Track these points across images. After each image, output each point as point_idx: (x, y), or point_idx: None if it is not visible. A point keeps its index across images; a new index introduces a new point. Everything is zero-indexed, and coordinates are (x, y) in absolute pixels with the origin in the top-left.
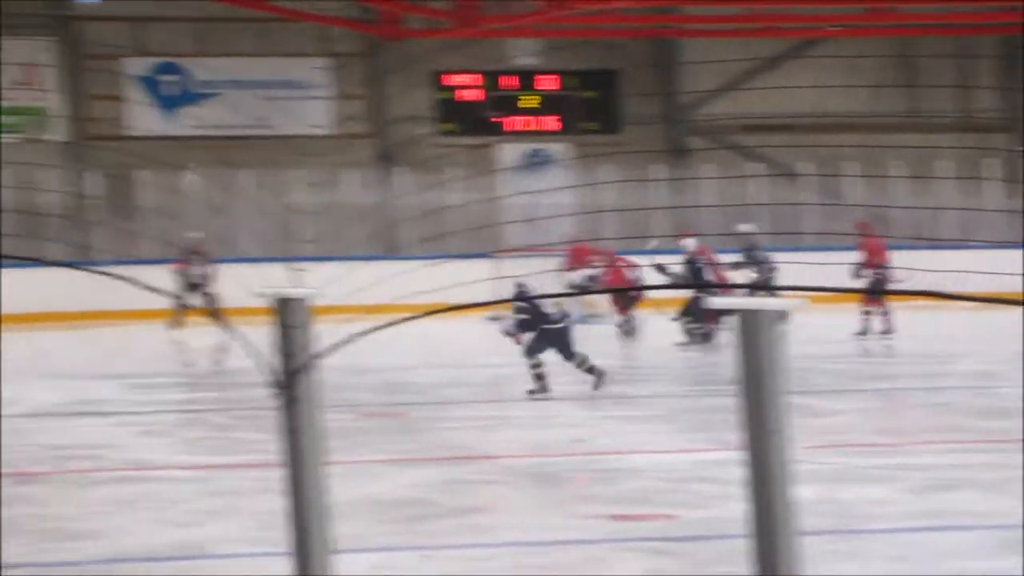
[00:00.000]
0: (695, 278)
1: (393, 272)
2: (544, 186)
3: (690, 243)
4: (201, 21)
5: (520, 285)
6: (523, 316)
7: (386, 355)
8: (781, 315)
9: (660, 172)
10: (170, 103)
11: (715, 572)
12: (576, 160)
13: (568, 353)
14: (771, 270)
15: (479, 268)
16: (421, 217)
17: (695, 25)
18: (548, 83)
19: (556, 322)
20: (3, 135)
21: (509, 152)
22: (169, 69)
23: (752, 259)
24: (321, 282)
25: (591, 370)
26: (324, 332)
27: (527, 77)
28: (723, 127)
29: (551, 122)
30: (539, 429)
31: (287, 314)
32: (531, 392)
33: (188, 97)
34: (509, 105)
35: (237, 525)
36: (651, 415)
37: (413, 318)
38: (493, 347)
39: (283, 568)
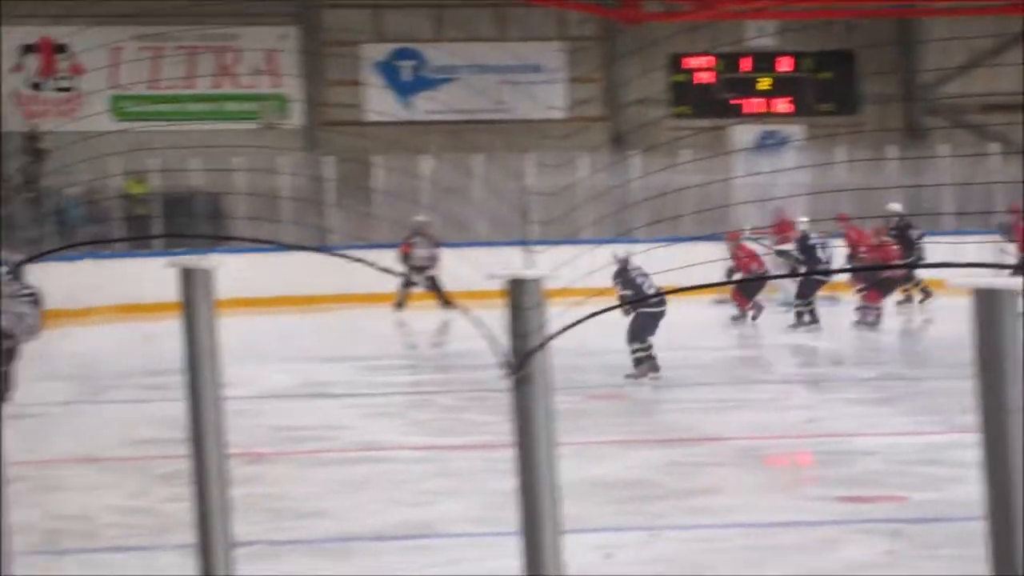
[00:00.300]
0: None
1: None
2: (777, 167)
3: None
4: (439, 6)
5: (623, 260)
6: (626, 292)
7: (613, 337)
8: (1017, 293)
9: (896, 152)
10: (407, 88)
11: (947, 554)
12: (811, 141)
13: (635, 336)
14: (919, 250)
15: (709, 250)
16: (653, 200)
17: (937, 4)
18: (783, 65)
19: (654, 305)
20: (242, 121)
21: (743, 134)
22: (407, 55)
23: (903, 239)
24: (553, 264)
25: (639, 362)
26: (555, 314)
27: (762, 59)
28: (962, 106)
29: (785, 104)
30: (767, 411)
31: (520, 296)
32: (637, 375)
33: (425, 82)
34: (744, 87)
35: (466, 505)
36: (881, 397)
37: (640, 300)
38: (721, 329)
39: (512, 548)
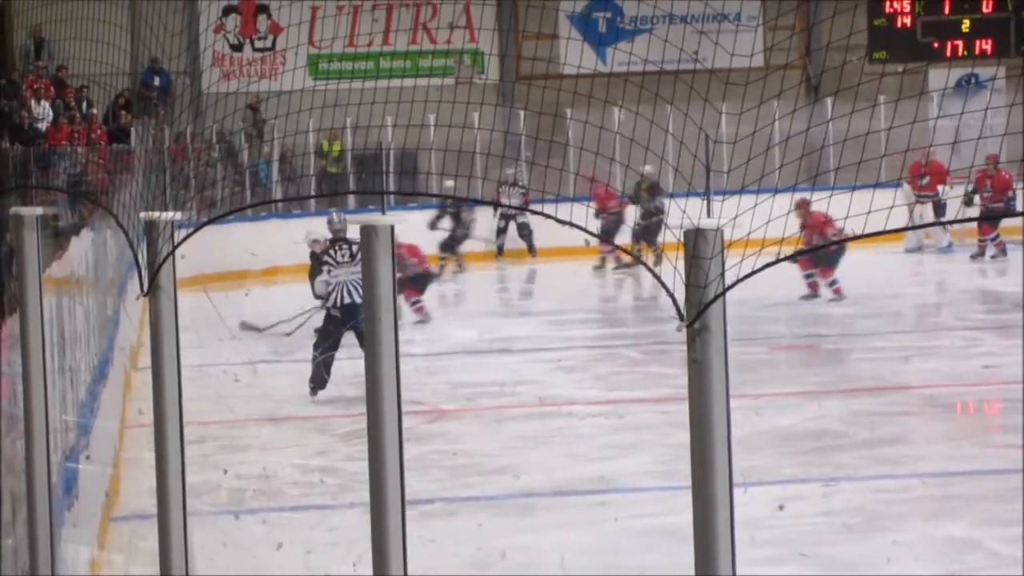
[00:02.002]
0: None
1: (812, 200)
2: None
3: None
4: None
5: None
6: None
7: (800, 287)
8: None
9: None
10: (602, 40)
11: None
12: (1010, 82)
13: None
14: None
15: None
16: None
17: None
18: (985, 5)
19: None
20: (437, 77)
21: (940, 78)
22: (602, 6)
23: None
24: (736, 213)
25: None
26: (738, 263)
27: (962, 0)
28: None
29: (986, 45)
30: (956, 359)
31: (699, 246)
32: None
33: (620, 33)
34: (943, 29)
35: (646, 459)
36: None
37: (820, 248)
38: (910, 277)
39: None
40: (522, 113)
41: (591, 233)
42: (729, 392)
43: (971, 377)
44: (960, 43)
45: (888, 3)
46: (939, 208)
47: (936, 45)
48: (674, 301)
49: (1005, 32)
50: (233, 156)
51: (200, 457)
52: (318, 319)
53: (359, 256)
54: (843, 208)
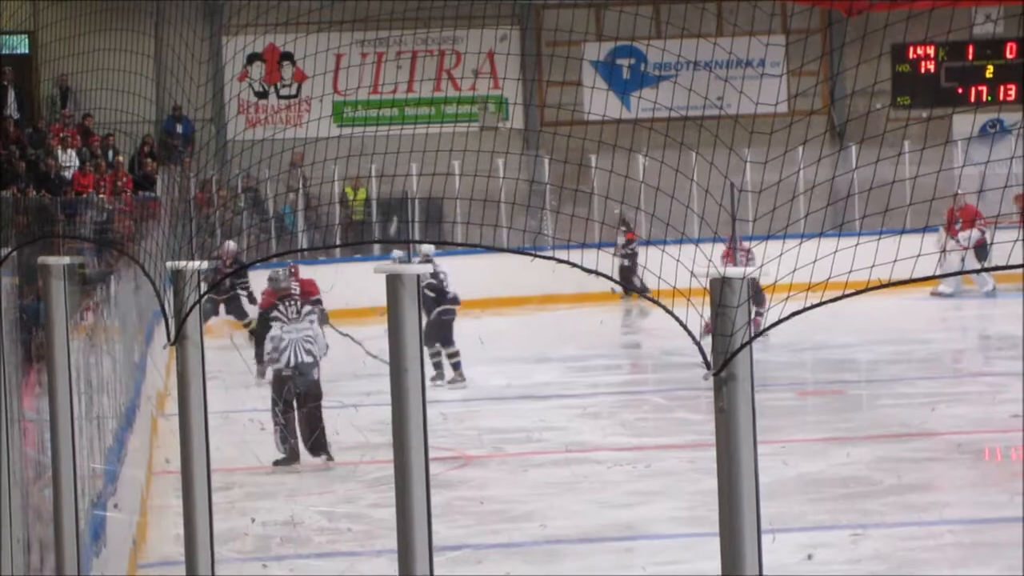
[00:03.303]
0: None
1: (839, 248)
2: (1000, 157)
3: None
4: (659, 3)
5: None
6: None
7: (827, 332)
8: None
9: None
10: (626, 86)
11: None
12: None
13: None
14: None
15: (925, 242)
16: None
17: None
18: (1008, 51)
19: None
20: (461, 124)
21: (965, 123)
22: (626, 52)
23: None
24: (763, 261)
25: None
26: (769, 310)
27: (986, 46)
28: None
29: (1010, 91)
30: (983, 405)
31: (725, 294)
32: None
33: (644, 79)
34: (967, 75)
35: (672, 506)
36: None
37: (851, 295)
38: (937, 323)
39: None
40: (547, 160)
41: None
42: (756, 440)
43: (998, 424)
44: (984, 88)
45: (912, 49)
46: (981, 251)
47: (960, 91)
48: (700, 350)
49: None
50: (259, 205)
51: (227, 504)
52: None
53: (305, 313)
54: (870, 255)
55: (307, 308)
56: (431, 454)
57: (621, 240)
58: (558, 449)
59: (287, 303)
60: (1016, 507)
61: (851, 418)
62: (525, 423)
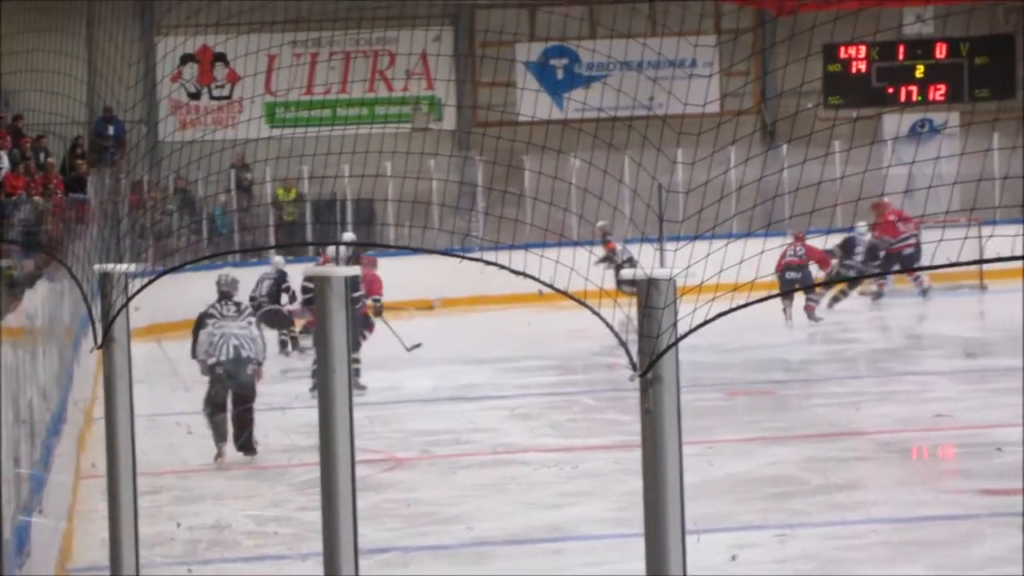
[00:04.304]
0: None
1: (765, 248)
2: (929, 156)
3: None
4: (593, 3)
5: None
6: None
7: (755, 332)
8: None
9: None
10: (560, 86)
11: None
12: (964, 128)
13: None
14: None
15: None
16: (802, 192)
17: None
18: (938, 51)
19: None
20: (394, 125)
21: (894, 123)
22: (559, 53)
23: None
24: (689, 262)
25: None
26: (691, 312)
27: (916, 46)
28: None
29: (939, 90)
30: (910, 404)
31: (651, 295)
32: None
33: (577, 80)
34: (897, 75)
35: (601, 507)
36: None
37: (777, 295)
38: (867, 322)
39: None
40: (479, 161)
41: (543, 283)
42: (682, 441)
43: (925, 423)
44: (914, 89)
45: (843, 49)
46: (914, 256)
47: (890, 91)
48: (627, 351)
49: (959, 78)
50: (191, 206)
51: (154, 508)
52: None
53: (246, 312)
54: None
55: (247, 308)
56: (360, 457)
57: (602, 252)
58: (487, 451)
59: (225, 303)
60: (942, 505)
61: (779, 418)
62: (454, 425)
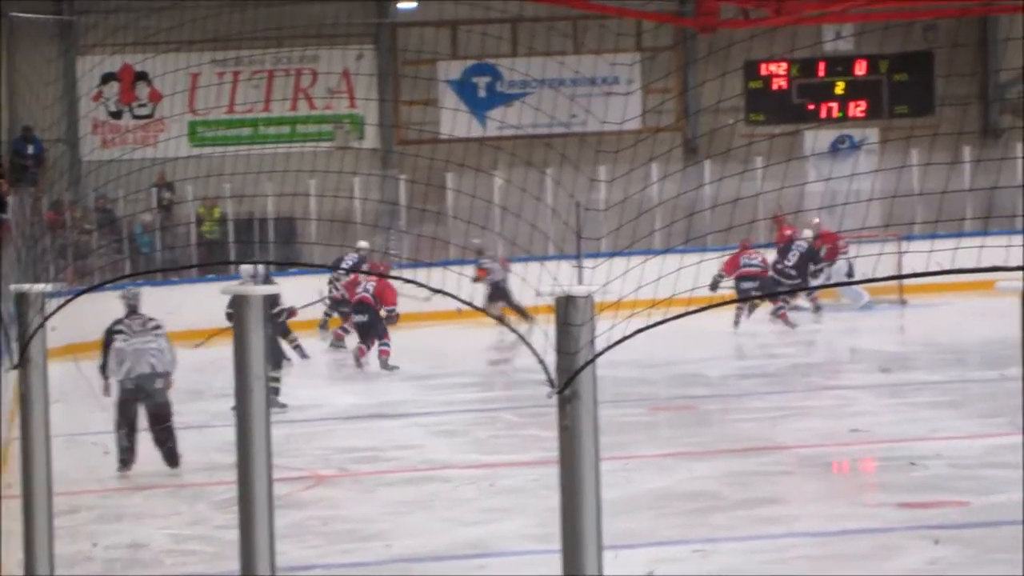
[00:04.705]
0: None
1: (687, 264)
2: (850, 172)
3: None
4: (515, 22)
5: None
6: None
7: (679, 348)
8: None
9: (972, 154)
10: (482, 104)
11: (1004, 558)
12: (884, 144)
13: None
14: None
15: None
16: (723, 207)
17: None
18: (858, 68)
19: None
20: (316, 143)
21: (816, 139)
22: (482, 71)
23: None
24: (609, 278)
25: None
26: (612, 328)
27: (836, 63)
28: None
29: (860, 107)
30: (832, 418)
31: (569, 312)
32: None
33: (500, 97)
34: (818, 92)
35: (524, 523)
36: (944, 400)
37: (696, 311)
38: (788, 337)
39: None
40: (402, 179)
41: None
42: (600, 458)
43: (846, 437)
44: (835, 105)
45: (764, 66)
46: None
47: (811, 107)
48: (544, 368)
49: (878, 95)
50: (112, 224)
51: (72, 528)
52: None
53: (152, 325)
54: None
55: (153, 322)
56: (281, 474)
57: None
58: (409, 468)
59: (130, 317)
60: (862, 519)
61: (701, 433)
62: (376, 442)
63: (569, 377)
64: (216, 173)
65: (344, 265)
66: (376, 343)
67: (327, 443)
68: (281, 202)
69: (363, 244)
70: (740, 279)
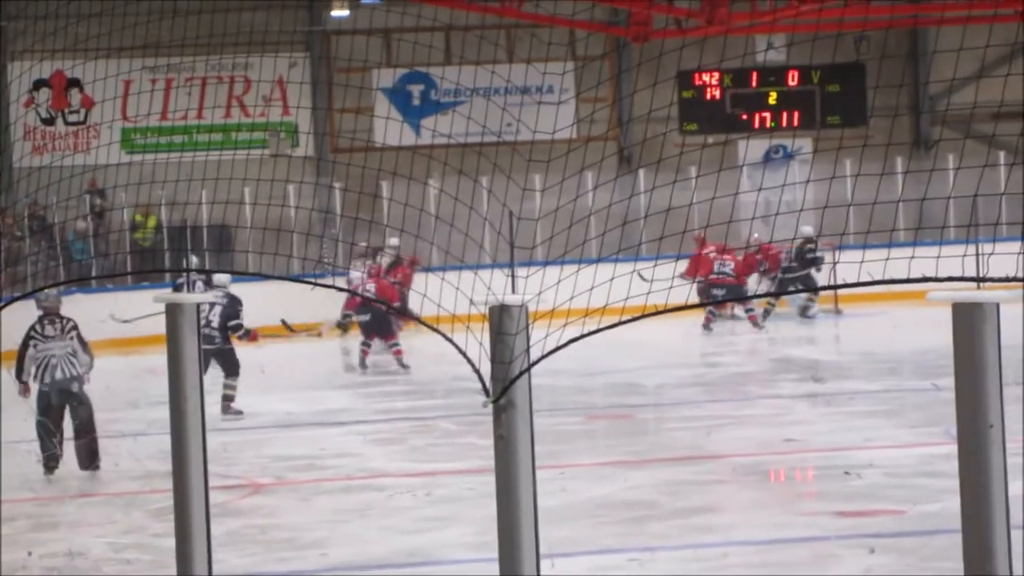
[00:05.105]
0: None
1: (622, 273)
2: (783, 182)
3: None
4: (450, 30)
5: None
6: None
7: (617, 357)
8: (997, 306)
9: (903, 165)
10: (417, 112)
11: (939, 567)
12: (817, 155)
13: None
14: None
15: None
16: (657, 217)
17: (951, 12)
18: (791, 78)
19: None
20: (251, 151)
21: (749, 149)
22: (416, 79)
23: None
24: (544, 287)
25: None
26: (547, 337)
27: (771, 73)
28: (971, 116)
29: (793, 117)
30: (768, 427)
31: (503, 321)
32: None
33: (435, 106)
34: (751, 102)
35: (463, 531)
36: (879, 410)
37: (628, 321)
38: (726, 346)
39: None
40: (337, 188)
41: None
42: (535, 467)
43: (782, 445)
44: (768, 115)
45: (697, 75)
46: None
47: (744, 117)
48: (480, 378)
49: (811, 105)
50: (45, 231)
51: (7, 537)
52: None
53: (69, 328)
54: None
55: (70, 323)
56: (219, 482)
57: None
58: (346, 476)
59: (49, 321)
60: (798, 528)
61: (638, 442)
62: (313, 450)
63: (504, 387)
64: (149, 180)
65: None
66: (387, 344)
67: (265, 451)
68: (215, 210)
69: (394, 242)
70: (711, 286)
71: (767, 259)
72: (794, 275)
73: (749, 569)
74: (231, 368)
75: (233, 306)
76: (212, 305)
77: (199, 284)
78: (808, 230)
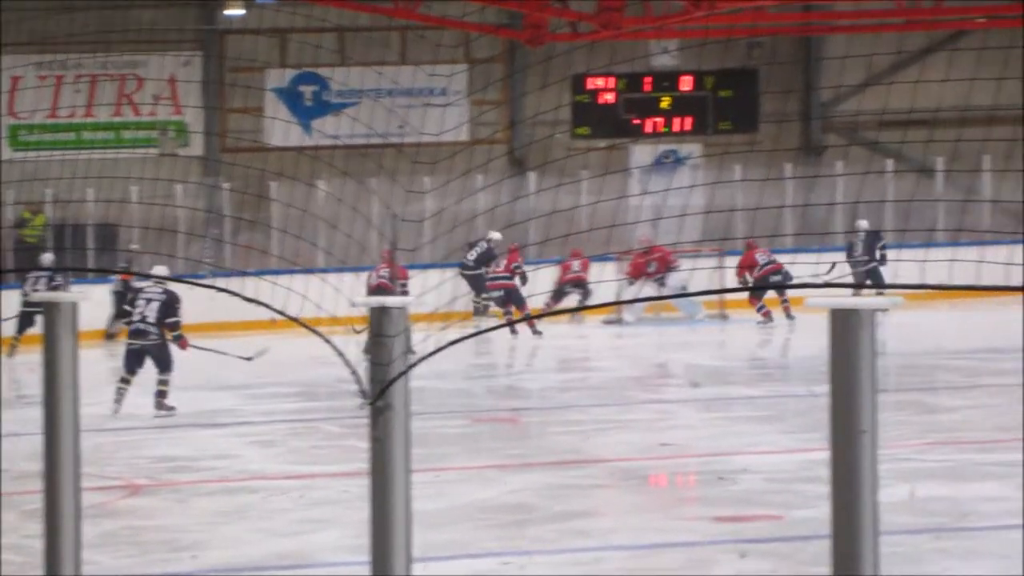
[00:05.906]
0: None
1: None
2: (675, 186)
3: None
4: (343, 31)
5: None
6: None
7: (501, 359)
8: (874, 313)
9: (794, 171)
10: (308, 114)
11: (816, 572)
12: (709, 160)
13: None
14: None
15: (604, 271)
16: (549, 220)
17: (839, 21)
18: (684, 84)
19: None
20: (139, 149)
21: (642, 154)
22: (308, 79)
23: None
24: (424, 289)
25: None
26: (428, 339)
27: (662, 78)
28: (861, 123)
29: (685, 122)
30: (650, 432)
31: (383, 324)
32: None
33: (327, 107)
34: (644, 106)
35: (342, 534)
36: (761, 415)
37: (514, 323)
38: (611, 350)
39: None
40: (226, 187)
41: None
42: (411, 469)
43: (664, 450)
44: (661, 120)
45: (590, 79)
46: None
47: (637, 122)
48: (357, 379)
49: (703, 110)
50: None
51: None
52: None
53: None
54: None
55: None
56: (97, 483)
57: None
58: (227, 477)
59: None
60: (677, 532)
61: (520, 445)
62: (193, 451)
63: (382, 388)
64: (34, 178)
65: (471, 256)
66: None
67: (143, 452)
68: (103, 208)
69: (495, 235)
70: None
71: (656, 260)
72: (864, 268)
73: (624, 572)
74: (164, 364)
75: (172, 303)
76: (148, 300)
77: (42, 282)
78: (864, 224)
